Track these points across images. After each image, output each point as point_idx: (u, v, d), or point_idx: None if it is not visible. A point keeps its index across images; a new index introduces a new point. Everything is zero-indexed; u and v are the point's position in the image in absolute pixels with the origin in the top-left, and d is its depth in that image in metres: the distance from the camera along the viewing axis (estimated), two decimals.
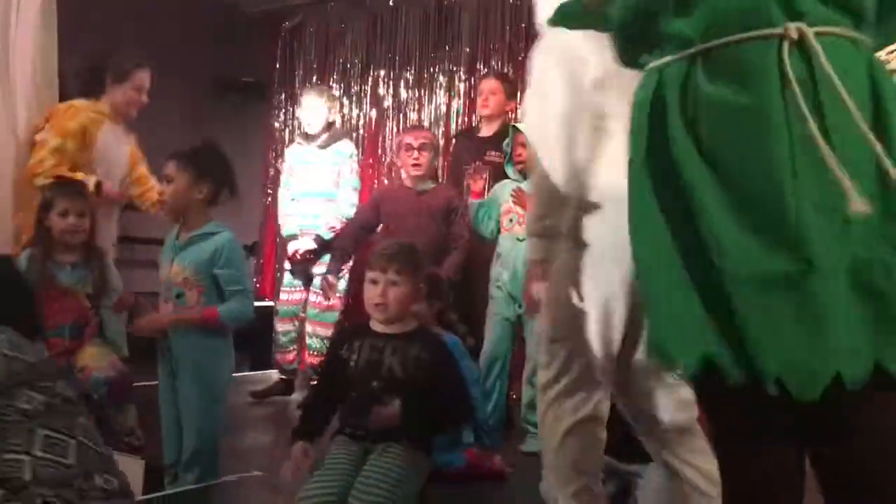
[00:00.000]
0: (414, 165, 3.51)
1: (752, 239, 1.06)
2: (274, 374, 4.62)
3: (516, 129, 3.67)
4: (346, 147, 4.48)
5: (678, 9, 1.15)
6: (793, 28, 1.05)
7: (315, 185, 4.35)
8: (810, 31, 1.05)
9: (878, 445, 1.08)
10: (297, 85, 5.97)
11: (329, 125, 4.48)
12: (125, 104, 3.58)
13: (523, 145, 3.63)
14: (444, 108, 5.41)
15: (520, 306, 3.53)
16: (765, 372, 1.05)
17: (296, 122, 5.67)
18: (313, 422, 2.43)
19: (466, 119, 5.27)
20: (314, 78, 5.90)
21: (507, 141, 3.76)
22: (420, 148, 3.48)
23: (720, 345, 1.09)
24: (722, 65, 1.10)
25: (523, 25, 5.09)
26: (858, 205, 1.00)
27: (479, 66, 5.27)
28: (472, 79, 5.29)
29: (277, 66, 6.06)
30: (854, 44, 1.10)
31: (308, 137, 4.46)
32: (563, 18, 1.39)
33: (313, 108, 4.41)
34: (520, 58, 5.09)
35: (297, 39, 6.02)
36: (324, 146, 4.41)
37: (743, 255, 1.06)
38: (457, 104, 5.36)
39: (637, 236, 1.20)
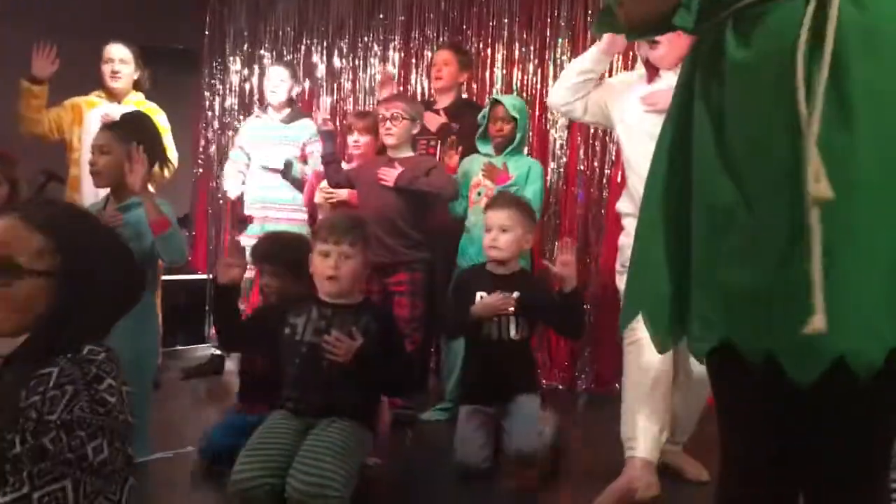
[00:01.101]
0: (386, 135, 3.58)
1: (752, 201, 1.01)
2: (207, 349, 4.55)
3: (497, 102, 3.65)
4: (311, 124, 4.41)
5: None
6: None
7: (278, 159, 4.26)
8: None
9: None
10: (227, 53, 5.82)
11: (291, 100, 4.44)
12: (105, 80, 4.03)
13: (503, 119, 3.61)
14: (378, 78, 5.33)
15: None
16: (753, 345, 1.01)
17: (243, 94, 5.62)
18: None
19: (402, 89, 5.21)
20: (245, 46, 5.76)
21: (482, 113, 3.73)
22: (392, 118, 3.53)
23: (705, 315, 1.06)
24: (749, 27, 1.05)
25: None
26: (819, 188, 0.93)
27: (414, 35, 5.21)
28: (407, 48, 5.24)
29: (206, 33, 5.90)
30: None
31: (270, 110, 4.40)
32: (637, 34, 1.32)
33: (279, 80, 4.35)
34: (455, 26, 5.07)
35: (227, 6, 5.85)
36: (287, 121, 4.36)
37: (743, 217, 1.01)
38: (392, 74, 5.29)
39: (644, 204, 1.21)
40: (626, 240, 2.77)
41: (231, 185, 4.43)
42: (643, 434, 2.55)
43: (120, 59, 4.03)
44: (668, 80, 2.55)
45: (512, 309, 2.85)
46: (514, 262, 2.98)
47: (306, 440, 2.29)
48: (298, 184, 4.21)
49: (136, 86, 4.15)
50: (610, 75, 4.56)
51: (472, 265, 3.33)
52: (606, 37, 2.80)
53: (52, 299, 1.42)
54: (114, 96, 4.05)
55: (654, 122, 2.52)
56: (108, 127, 2.85)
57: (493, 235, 2.92)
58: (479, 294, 2.91)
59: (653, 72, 2.72)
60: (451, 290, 3.22)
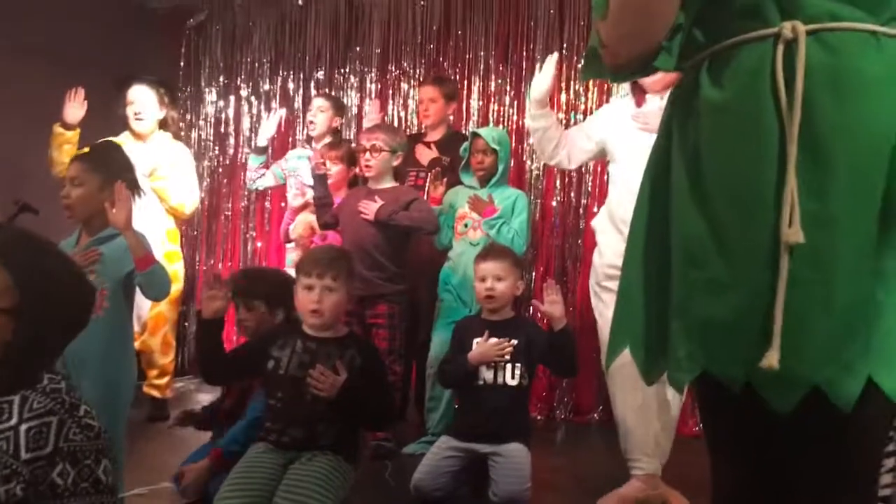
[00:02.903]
0: (366, 167, 3.59)
1: (728, 238, 1.03)
2: (182, 383, 4.49)
3: (476, 135, 3.67)
4: None
5: (697, 15, 1.12)
6: (788, 27, 1.02)
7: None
8: (802, 31, 1.01)
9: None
10: (202, 85, 5.81)
11: (334, 130, 4.38)
12: (129, 122, 4.13)
13: (484, 152, 3.63)
14: (355, 110, 5.36)
15: (470, 310, 3.53)
16: (731, 375, 1.03)
17: (218, 125, 5.64)
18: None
19: (378, 120, 5.23)
20: (220, 77, 5.75)
21: (463, 146, 3.74)
22: (371, 149, 3.53)
23: (683, 345, 1.08)
24: (722, 69, 1.08)
25: (434, 28, 5.10)
26: (790, 234, 0.97)
27: (391, 66, 5.25)
28: (384, 80, 5.26)
29: (182, 64, 5.88)
30: (874, 36, 1.02)
31: (310, 140, 4.41)
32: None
33: (318, 111, 4.32)
34: (431, 59, 5.11)
35: (203, 37, 5.85)
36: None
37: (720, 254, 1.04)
38: (368, 105, 5.31)
39: (629, 239, 1.24)
40: (599, 259, 2.86)
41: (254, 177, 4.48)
42: (642, 453, 2.74)
43: (141, 101, 4.12)
44: (656, 103, 2.69)
45: (508, 355, 2.87)
46: (507, 310, 3.02)
47: (288, 473, 2.26)
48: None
49: (163, 125, 4.22)
50: (587, 110, 4.64)
51: (467, 316, 3.33)
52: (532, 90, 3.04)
53: (10, 334, 1.39)
54: (139, 137, 4.13)
55: (645, 142, 2.62)
56: (80, 158, 2.79)
57: (488, 284, 2.96)
58: (475, 341, 2.93)
59: (640, 96, 2.82)
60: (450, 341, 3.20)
